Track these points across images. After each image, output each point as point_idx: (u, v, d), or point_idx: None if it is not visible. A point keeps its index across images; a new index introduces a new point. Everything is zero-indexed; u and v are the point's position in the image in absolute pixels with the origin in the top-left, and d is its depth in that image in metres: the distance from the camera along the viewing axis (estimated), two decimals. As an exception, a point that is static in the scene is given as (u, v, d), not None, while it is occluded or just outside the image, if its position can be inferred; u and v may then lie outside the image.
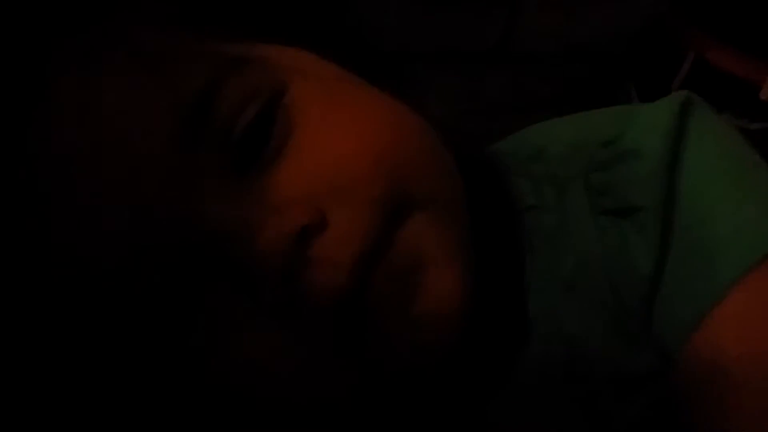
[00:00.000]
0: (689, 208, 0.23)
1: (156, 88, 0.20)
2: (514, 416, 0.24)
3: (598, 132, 0.26)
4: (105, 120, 0.20)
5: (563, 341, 0.24)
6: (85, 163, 0.19)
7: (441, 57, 0.92)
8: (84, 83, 0.20)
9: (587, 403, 0.23)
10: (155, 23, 0.21)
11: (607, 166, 0.25)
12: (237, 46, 0.22)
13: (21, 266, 0.20)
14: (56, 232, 0.19)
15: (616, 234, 0.24)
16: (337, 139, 0.21)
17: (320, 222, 0.20)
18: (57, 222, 0.19)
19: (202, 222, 0.20)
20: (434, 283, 0.21)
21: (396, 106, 0.24)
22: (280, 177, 0.20)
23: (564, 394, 0.24)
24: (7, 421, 0.20)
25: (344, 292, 0.19)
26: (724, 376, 0.21)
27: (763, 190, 0.24)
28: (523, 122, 0.31)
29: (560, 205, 0.25)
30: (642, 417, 0.23)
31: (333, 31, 0.27)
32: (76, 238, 0.19)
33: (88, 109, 0.19)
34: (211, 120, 0.20)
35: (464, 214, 0.23)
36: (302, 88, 0.22)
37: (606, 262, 0.24)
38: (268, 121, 0.21)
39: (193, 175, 0.20)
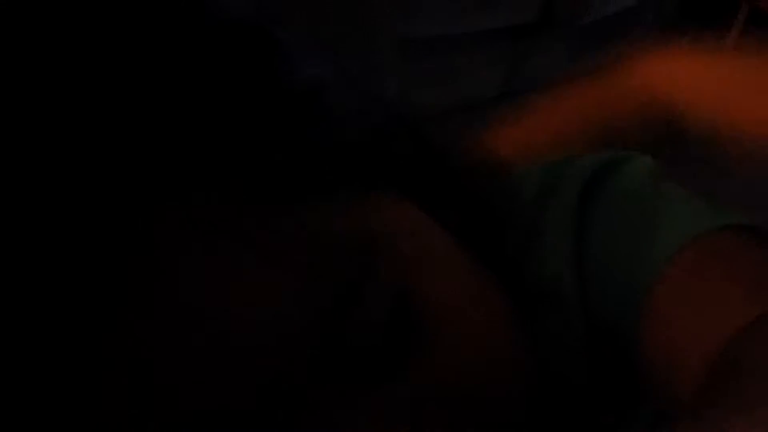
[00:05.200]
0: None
1: (282, 286, 0.17)
2: None
3: None
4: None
5: None
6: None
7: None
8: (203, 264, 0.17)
9: None
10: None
11: None
12: (348, 215, 0.19)
13: None
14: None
15: None
16: (467, 359, 0.20)
17: None
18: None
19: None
20: None
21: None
22: (396, 395, 0.19)
23: None
24: None
25: None
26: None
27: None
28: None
29: None
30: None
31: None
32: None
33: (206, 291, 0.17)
34: (344, 329, 0.18)
35: None
36: (431, 284, 0.20)
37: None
38: (397, 326, 0.19)
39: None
